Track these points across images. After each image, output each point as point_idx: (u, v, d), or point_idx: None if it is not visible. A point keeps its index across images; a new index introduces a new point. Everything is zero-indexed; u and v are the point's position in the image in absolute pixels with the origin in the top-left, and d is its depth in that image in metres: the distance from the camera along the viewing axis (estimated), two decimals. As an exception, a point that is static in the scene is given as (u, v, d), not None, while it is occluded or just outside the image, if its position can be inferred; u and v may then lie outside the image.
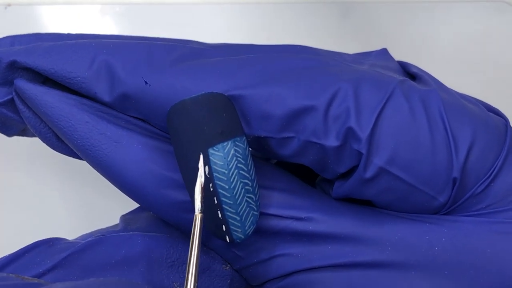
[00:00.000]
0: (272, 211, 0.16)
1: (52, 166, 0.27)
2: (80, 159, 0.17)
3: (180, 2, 0.32)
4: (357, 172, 0.15)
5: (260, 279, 0.16)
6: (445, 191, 0.15)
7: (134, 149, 0.16)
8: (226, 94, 0.15)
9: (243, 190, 0.15)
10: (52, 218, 0.26)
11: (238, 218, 0.15)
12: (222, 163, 0.14)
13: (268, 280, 0.16)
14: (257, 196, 0.15)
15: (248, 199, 0.15)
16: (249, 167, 0.15)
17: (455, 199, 0.15)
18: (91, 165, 0.16)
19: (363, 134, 0.15)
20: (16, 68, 0.16)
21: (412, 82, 0.16)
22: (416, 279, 0.15)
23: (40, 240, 0.16)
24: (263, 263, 0.16)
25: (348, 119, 0.15)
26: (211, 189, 0.14)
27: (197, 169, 0.14)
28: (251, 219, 0.15)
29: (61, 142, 0.17)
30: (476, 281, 0.14)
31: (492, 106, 0.17)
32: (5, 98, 0.16)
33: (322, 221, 0.16)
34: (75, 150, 0.16)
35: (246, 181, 0.15)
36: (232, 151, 0.14)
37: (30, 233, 0.24)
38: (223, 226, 0.15)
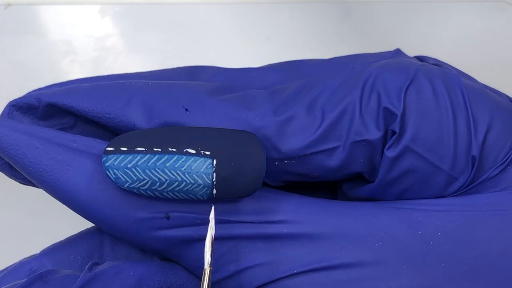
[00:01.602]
0: (240, 217, 0.15)
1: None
2: (37, 186, 0.17)
3: (180, 2, 0.32)
4: (384, 154, 0.15)
5: None
6: (465, 171, 0.15)
7: (87, 171, 0.15)
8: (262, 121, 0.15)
9: (159, 166, 0.14)
10: (51, 218, 0.26)
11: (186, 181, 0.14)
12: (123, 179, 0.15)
13: None
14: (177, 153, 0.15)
15: (170, 164, 0.14)
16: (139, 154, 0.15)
17: (472, 180, 0.15)
18: (46, 191, 0.16)
19: (398, 111, 0.15)
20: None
21: (433, 66, 0.16)
22: (408, 273, 0.14)
23: (34, 277, 0.16)
24: (234, 277, 0.15)
25: (381, 101, 0.15)
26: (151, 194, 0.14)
27: None
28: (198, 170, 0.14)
29: (16, 170, 0.17)
30: (475, 272, 0.14)
31: None
32: None
33: (298, 221, 0.15)
34: (28, 178, 0.16)
35: (150, 158, 0.14)
36: (115, 171, 0.15)
37: (29, 232, 0.24)
38: (191, 196, 0.15)
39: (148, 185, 0.14)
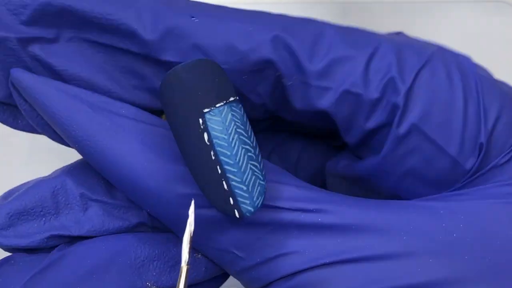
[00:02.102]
0: (278, 203, 0.15)
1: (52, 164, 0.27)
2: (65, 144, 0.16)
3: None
4: (392, 130, 0.15)
5: (262, 281, 0.15)
6: (471, 157, 0.15)
7: (136, 139, 0.15)
8: (272, 42, 0.15)
9: (245, 156, 0.14)
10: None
11: (245, 188, 0.14)
12: (221, 128, 0.13)
13: (271, 281, 0.15)
14: (261, 165, 0.14)
15: (252, 166, 0.14)
16: (249, 133, 0.14)
17: (479, 168, 0.15)
18: (86, 157, 0.15)
19: (404, 86, 0.15)
20: (28, 44, 0.15)
21: (449, 51, 0.16)
22: (434, 265, 0.14)
23: (1, 260, 0.16)
24: (266, 263, 0.15)
25: (390, 71, 0.15)
26: (213, 158, 0.13)
27: (198, 138, 0.13)
28: (258, 189, 0.14)
29: (58, 135, 0.16)
30: (498, 263, 0.14)
31: None
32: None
33: (332, 212, 0.15)
34: (70, 142, 0.16)
35: (248, 147, 0.14)
36: (230, 116, 0.14)
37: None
38: (230, 199, 0.14)
39: (224, 150, 0.14)
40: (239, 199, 0.14)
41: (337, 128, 0.16)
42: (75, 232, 0.16)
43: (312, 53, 0.15)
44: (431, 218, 0.15)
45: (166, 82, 0.14)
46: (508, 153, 0.15)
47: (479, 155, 0.15)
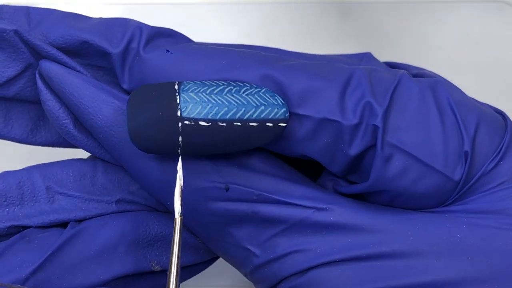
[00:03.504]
0: (292, 200, 0.16)
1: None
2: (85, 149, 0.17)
3: (180, 2, 0.32)
4: (377, 153, 0.15)
5: (274, 278, 0.16)
6: (458, 168, 0.15)
7: None
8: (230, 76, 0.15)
9: (234, 95, 0.14)
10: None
11: (263, 107, 0.14)
12: (201, 106, 0.14)
13: (282, 278, 0.16)
14: (248, 84, 0.15)
15: (245, 93, 0.15)
16: (215, 84, 0.15)
17: (467, 179, 0.15)
18: (109, 147, 0.16)
19: (381, 108, 0.15)
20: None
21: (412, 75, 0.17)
22: (439, 266, 0.14)
23: (15, 237, 0.16)
24: (279, 260, 0.16)
25: (365, 95, 0.15)
26: (225, 125, 0.14)
27: (202, 130, 0.14)
28: (267, 95, 0.15)
29: (77, 130, 0.17)
30: (500, 266, 0.14)
31: (493, 107, 0.18)
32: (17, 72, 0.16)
33: (343, 212, 0.15)
34: (95, 133, 0.16)
35: (226, 89, 0.15)
36: (191, 94, 0.14)
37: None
38: (268, 124, 0.15)
39: (221, 111, 0.14)
40: (271, 116, 0.15)
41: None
42: (37, 223, 0.17)
43: (287, 83, 0.15)
44: (435, 220, 0.15)
45: (138, 141, 0.14)
46: (494, 158, 0.15)
47: (465, 164, 0.15)
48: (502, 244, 0.15)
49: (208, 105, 0.14)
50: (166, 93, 0.14)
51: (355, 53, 0.20)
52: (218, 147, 0.15)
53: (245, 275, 0.17)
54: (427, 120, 0.15)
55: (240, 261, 0.17)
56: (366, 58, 0.19)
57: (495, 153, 0.15)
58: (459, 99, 0.16)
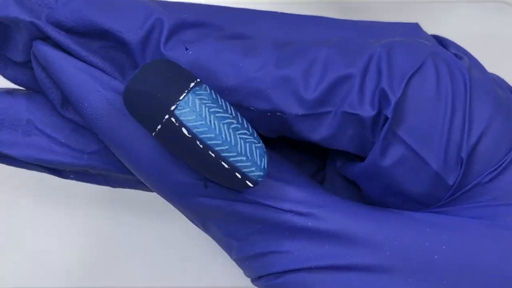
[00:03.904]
0: (271, 202, 0.15)
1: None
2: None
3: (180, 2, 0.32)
4: (378, 139, 0.15)
5: (255, 273, 0.16)
6: (454, 172, 0.15)
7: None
8: (259, 72, 0.15)
9: (230, 130, 0.14)
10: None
11: (244, 158, 0.14)
12: (195, 116, 0.14)
13: (263, 275, 0.16)
14: (250, 130, 0.14)
15: (241, 135, 0.14)
16: (224, 108, 0.14)
17: (461, 184, 0.15)
18: (96, 132, 0.16)
19: (394, 97, 0.14)
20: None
21: (445, 53, 0.16)
22: (413, 285, 0.14)
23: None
24: (258, 258, 0.16)
25: (381, 81, 0.14)
26: (201, 146, 0.14)
27: (179, 136, 0.14)
28: (257, 152, 0.14)
29: (64, 110, 0.17)
30: None
31: None
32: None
33: (322, 218, 0.15)
34: (84, 118, 0.16)
35: (228, 120, 0.14)
36: (197, 101, 0.14)
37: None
38: (237, 174, 0.14)
39: (207, 134, 0.14)
40: (244, 170, 0.14)
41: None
42: (6, 150, 0.17)
43: (307, 82, 0.15)
44: (416, 235, 0.15)
45: (127, 100, 0.14)
46: (493, 171, 0.15)
47: (460, 169, 0.15)
48: (479, 272, 0.14)
49: (201, 121, 0.14)
50: (178, 83, 0.14)
51: (401, 22, 0.19)
52: (183, 156, 0.14)
53: (234, 261, 0.17)
54: (436, 116, 0.15)
55: (226, 249, 0.17)
56: (410, 28, 0.18)
57: (497, 165, 0.15)
58: (479, 93, 0.15)
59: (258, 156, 0.14)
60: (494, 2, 0.33)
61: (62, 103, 0.17)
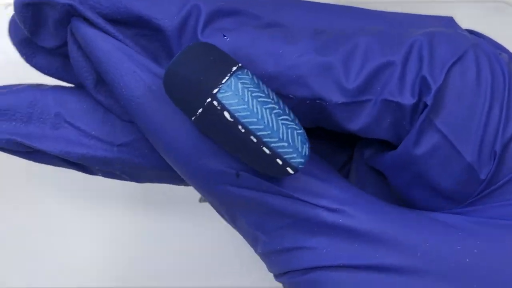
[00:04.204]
0: (303, 196, 0.15)
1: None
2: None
3: None
4: (413, 128, 0.15)
5: (281, 268, 0.16)
6: (486, 166, 0.15)
7: (178, 109, 0.15)
8: (297, 58, 0.15)
9: (272, 115, 0.14)
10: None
11: (286, 144, 0.14)
12: (237, 100, 0.14)
13: (289, 271, 0.16)
14: (292, 116, 0.14)
15: (283, 121, 0.14)
16: (266, 92, 0.14)
17: (492, 180, 0.15)
18: (129, 114, 0.16)
19: (435, 85, 0.14)
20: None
21: (486, 45, 0.16)
22: (443, 287, 0.14)
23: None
24: (286, 252, 0.15)
25: (422, 69, 0.14)
26: (243, 131, 0.14)
27: (221, 121, 0.14)
28: (299, 139, 0.14)
29: (96, 91, 0.17)
30: None
31: None
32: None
33: (354, 216, 0.15)
34: (119, 99, 0.16)
35: (271, 105, 0.14)
36: (240, 85, 0.14)
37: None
38: (278, 160, 0.14)
39: (249, 118, 0.14)
40: (286, 156, 0.14)
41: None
42: (36, 144, 0.17)
43: (347, 70, 0.15)
44: (448, 238, 0.15)
45: (167, 83, 0.14)
46: None
47: (493, 163, 0.15)
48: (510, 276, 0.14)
49: (243, 105, 0.14)
50: (220, 66, 0.14)
51: (435, 15, 0.19)
52: (223, 141, 0.14)
53: (259, 255, 0.17)
54: (475, 107, 0.14)
55: (251, 243, 0.17)
56: (446, 22, 0.18)
57: None
58: None
59: (299, 143, 0.14)
60: (494, 2, 0.33)
61: (96, 84, 0.17)
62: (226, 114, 0.14)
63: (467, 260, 0.14)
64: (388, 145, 0.16)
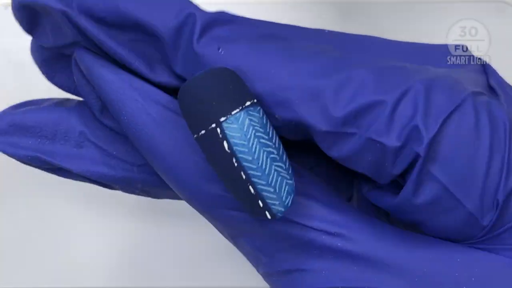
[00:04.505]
0: (302, 220, 0.15)
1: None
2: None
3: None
4: (410, 178, 0.14)
5: None
6: (490, 213, 0.14)
7: (182, 135, 0.15)
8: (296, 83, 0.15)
9: (268, 159, 0.14)
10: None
11: (272, 190, 0.14)
12: (239, 135, 0.14)
13: None
14: (287, 165, 0.14)
15: (276, 167, 0.14)
16: (269, 135, 0.14)
17: (495, 226, 0.15)
18: (134, 143, 0.16)
19: (427, 136, 0.14)
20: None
21: (484, 96, 0.15)
22: None
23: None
24: (286, 274, 0.16)
25: (415, 117, 0.14)
26: (236, 165, 0.14)
27: (218, 147, 0.14)
28: (286, 189, 0.14)
29: (103, 116, 0.17)
30: None
31: None
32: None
33: (352, 239, 0.15)
34: (121, 126, 0.16)
35: (270, 149, 0.14)
36: (247, 121, 0.14)
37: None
38: (260, 202, 0.14)
39: (245, 155, 0.14)
40: (268, 201, 0.14)
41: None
42: (60, 162, 0.17)
43: (337, 99, 0.15)
44: (446, 264, 0.15)
45: (182, 96, 0.14)
46: None
47: (496, 210, 0.14)
48: None
49: (244, 141, 0.14)
50: (235, 97, 0.14)
51: (432, 44, 0.18)
52: (215, 165, 0.14)
53: (261, 275, 0.17)
54: (474, 157, 0.14)
55: (253, 263, 0.17)
56: (443, 51, 0.18)
57: None
58: None
59: (285, 192, 0.14)
60: (494, 2, 0.33)
61: (101, 110, 0.17)
62: (225, 144, 0.14)
63: (464, 287, 0.14)
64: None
